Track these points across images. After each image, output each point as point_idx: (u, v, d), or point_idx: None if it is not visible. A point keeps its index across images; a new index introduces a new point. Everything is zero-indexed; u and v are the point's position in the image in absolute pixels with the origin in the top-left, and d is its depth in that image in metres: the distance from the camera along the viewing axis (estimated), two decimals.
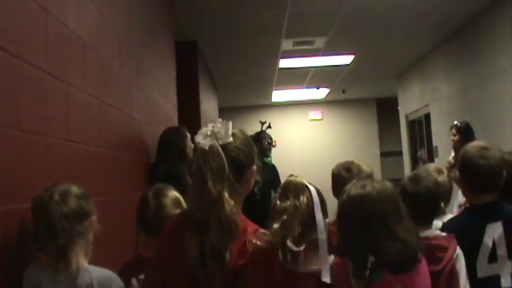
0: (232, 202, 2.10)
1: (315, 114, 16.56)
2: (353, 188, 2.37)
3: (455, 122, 7.11)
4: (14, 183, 2.19)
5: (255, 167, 2.32)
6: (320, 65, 10.86)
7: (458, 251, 2.62)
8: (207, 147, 2.13)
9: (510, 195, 2.96)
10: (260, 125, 9.12)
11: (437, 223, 2.93)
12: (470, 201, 2.95)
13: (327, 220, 2.44)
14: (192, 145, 4.72)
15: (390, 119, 14.70)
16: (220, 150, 2.12)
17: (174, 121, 5.92)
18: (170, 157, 4.56)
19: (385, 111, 15.74)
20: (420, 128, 11.59)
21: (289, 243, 2.21)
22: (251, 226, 2.20)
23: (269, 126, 9.03)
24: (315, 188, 2.43)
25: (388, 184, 2.38)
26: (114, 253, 2.52)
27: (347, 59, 10.62)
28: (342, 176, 3.26)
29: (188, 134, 4.74)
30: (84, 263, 2.25)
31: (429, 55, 10.37)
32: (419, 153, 11.43)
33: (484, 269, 2.69)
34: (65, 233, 2.17)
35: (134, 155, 4.21)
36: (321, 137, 16.22)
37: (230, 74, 11.58)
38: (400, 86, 12.72)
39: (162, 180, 3.79)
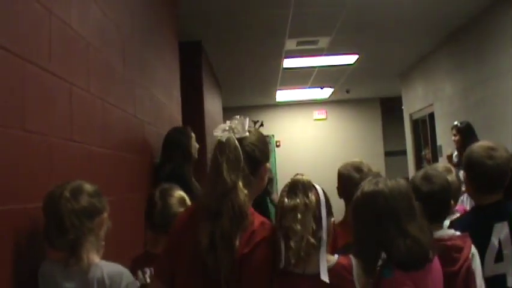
0: (246, 192, 2.20)
1: (319, 114, 16.56)
2: (367, 185, 2.38)
3: (456, 123, 7.12)
4: (17, 183, 2.19)
5: (268, 165, 2.42)
6: (324, 64, 10.86)
7: (473, 250, 2.62)
8: (224, 139, 2.23)
9: None
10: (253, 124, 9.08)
11: (446, 222, 2.92)
12: (477, 202, 2.94)
13: (332, 219, 2.44)
14: (197, 145, 4.73)
15: (394, 119, 14.70)
16: (237, 142, 2.23)
17: (178, 121, 5.92)
18: (175, 157, 4.56)
19: (389, 110, 15.74)
20: (425, 127, 11.57)
21: (311, 239, 2.24)
22: (258, 218, 2.29)
23: (261, 125, 9.01)
24: (320, 187, 2.45)
25: (402, 182, 2.37)
26: (115, 253, 2.52)
27: (350, 59, 10.62)
28: (352, 177, 3.20)
29: (193, 135, 4.75)
30: (95, 258, 2.30)
31: (432, 55, 10.36)
32: (423, 153, 11.43)
33: (490, 268, 2.69)
34: (75, 229, 2.22)
35: (138, 155, 4.21)
36: (325, 136, 16.22)
37: (234, 74, 11.58)
38: (404, 86, 12.70)
39: (166, 180, 3.80)
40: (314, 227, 2.29)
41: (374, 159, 15.04)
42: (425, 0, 7.38)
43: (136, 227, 3.49)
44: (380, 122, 16.43)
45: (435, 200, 2.65)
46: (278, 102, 15.65)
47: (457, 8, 7.78)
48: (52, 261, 2.26)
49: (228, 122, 2.30)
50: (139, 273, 2.90)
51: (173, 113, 5.72)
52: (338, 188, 3.38)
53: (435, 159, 10.35)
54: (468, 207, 4.18)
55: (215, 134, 2.27)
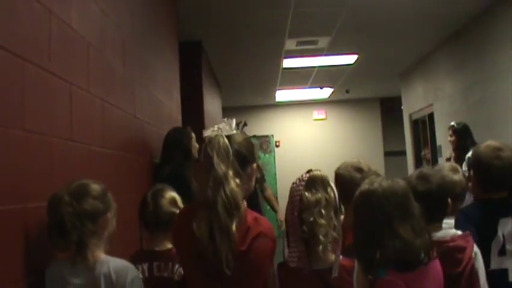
0: (237, 180, 2.26)
1: (318, 114, 16.56)
2: (364, 184, 2.39)
3: (452, 123, 7.12)
4: (17, 183, 2.19)
5: (255, 165, 2.47)
6: (324, 64, 10.86)
7: (475, 249, 2.63)
8: (213, 135, 2.31)
9: None
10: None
11: (451, 222, 2.93)
12: (483, 196, 2.95)
13: (342, 217, 2.47)
14: (197, 145, 4.73)
15: (393, 119, 14.69)
16: (225, 138, 2.30)
17: (178, 121, 5.92)
18: (175, 157, 4.56)
19: (389, 110, 15.74)
20: (424, 127, 11.57)
21: (334, 234, 2.33)
22: (250, 214, 2.33)
23: (245, 124, 9.00)
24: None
25: (400, 182, 2.37)
26: (116, 252, 2.53)
27: (350, 59, 10.62)
28: (354, 177, 3.07)
29: (193, 135, 4.75)
30: (101, 255, 2.38)
31: (432, 55, 10.36)
32: (422, 153, 11.43)
33: (496, 261, 2.71)
34: (76, 231, 2.29)
35: (138, 154, 4.21)
36: (325, 136, 16.22)
37: (234, 74, 11.58)
38: (404, 86, 12.71)
39: (167, 180, 3.82)
40: (335, 223, 2.33)
41: (373, 160, 15.04)
42: (425, 1, 7.38)
43: (136, 226, 3.50)
44: (379, 122, 16.43)
45: (433, 200, 2.65)
46: (278, 102, 15.65)
47: (456, 8, 7.78)
48: (59, 261, 2.36)
49: (215, 125, 2.38)
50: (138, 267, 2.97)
51: (173, 113, 5.72)
52: (340, 192, 3.30)
53: (434, 159, 10.36)
54: None
55: (205, 135, 2.35)
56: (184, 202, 3.19)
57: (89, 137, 3.06)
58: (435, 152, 10.42)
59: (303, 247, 2.39)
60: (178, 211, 2.94)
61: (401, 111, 13.10)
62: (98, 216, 2.41)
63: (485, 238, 2.73)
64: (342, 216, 2.53)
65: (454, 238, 2.65)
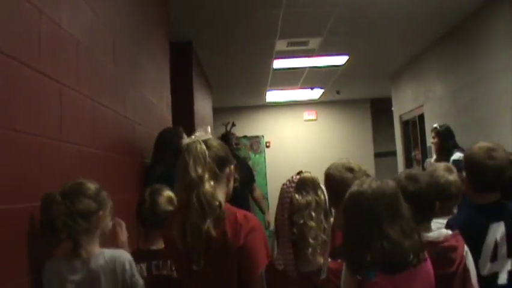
0: (212, 183, 2.46)
1: (309, 114, 16.56)
2: (353, 185, 2.39)
3: (435, 125, 7.15)
4: (6, 183, 2.18)
5: (232, 167, 2.70)
6: (314, 65, 10.86)
7: (466, 247, 2.63)
8: (189, 141, 2.54)
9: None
10: (224, 128, 9.06)
11: (444, 222, 2.93)
12: (475, 201, 2.96)
13: (331, 219, 2.47)
14: (185, 141, 4.71)
15: (384, 120, 14.71)
16: (202, 144, 2.51)
17: (168, 121, 5.92)
18: (166, 158, 4.54)
19: (379, 111, 15.75)
20: (414, 128, 11.60)
21: (323, 236, 2.35)
22: (239, 212, 2.56)
23: (233, 125, 8.99)
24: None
25: (389, 183, 2.37)
26: None
27: (341, 60, 10.62)
28: (345, 178, 3.00)
29: (185, 136, 4.72)
30: (96, 249, 2.52)
31: (423, 56, 10.39)
32: (413, 154, 11.46)
33: (486, 267, 2.72)
34: (67, 229, 2.42)
35: (128, 155, 4.20)
36: (315, 137, 16.22)
37: (224, 75, 11.56)
38: (394, 87, 12.74)
39: (158, 180, 3.82)
40: (325, 226, 2.34)
41: (364, 160, 15.06)
42: (415, 2, 7.40)
43: (127, 226, 3.49)
44: (370, 123, 16.45)
45: (422, 200, 2.65)
46: (268, 102, 15.64)
47: (448, 9, 7.81)
48: (56, 258, 2.48)
49: (193, 136, 2.59)
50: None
51: (163, 113, 5.71)
52: (330, 194, 3.26)
53: (424, 160, 10.38)
54: None
55: (183, 143, 2.57)
56: None
57: (79, 137, 3.06)
58: (425, 153, 10.44)
59: (291, 249, 2.40)
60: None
61: (391, 112, 13.13)
62: (91, 215, 2.50)
63: (474, 245, 2.72)
64: (332, 219, 2.52)
65: (446, 238, 2.65)
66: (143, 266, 3.01)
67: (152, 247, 3.13)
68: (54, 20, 2.76)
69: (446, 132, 6.95)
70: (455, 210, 3.30)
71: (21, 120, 2.34)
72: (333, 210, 2.79)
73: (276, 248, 2.53)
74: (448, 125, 7.17)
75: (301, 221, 2.36)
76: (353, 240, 2.29)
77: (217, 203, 2.45)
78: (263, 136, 16.32)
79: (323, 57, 10.26)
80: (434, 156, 7.06)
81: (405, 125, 12.35)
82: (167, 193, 3.29)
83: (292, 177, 2.54)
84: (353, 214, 2.33)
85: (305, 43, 9.23)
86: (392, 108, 13.03)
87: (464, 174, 3.10)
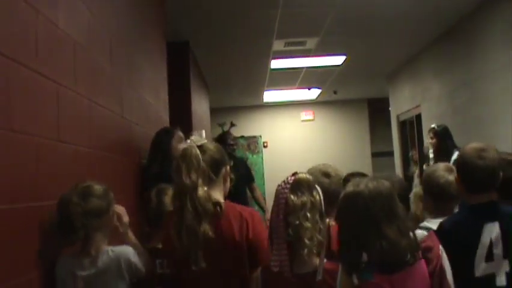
0: (205, 188, 2.60)
1: (306, 114, 16.58)
2: (349, 186, 2.40)
3: (433, 125, 7.16)
4: (4, 183, 2.18)
5: (228, 167, 2.84)
6: (312, 65, 10.88)
7: (441, 247, 2.63)
8: (185, 146, 2.67)
9: (511, 196, 3.01)
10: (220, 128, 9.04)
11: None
12: (468, 201, 2.96)
13: (327, 221, 2.48)
14: (181, 147, 4.69)
15: (381, 120, 14.74)
16: (196, 149, 2.64)
17: (165, 122, 5.91)
18: (157, 158, 4.55)
19: (376, 111, 15.78)
20: (412, 128, 11.61)
21: (319, 237, 2.36)
22: (243, 209, 2.74)
23: (233, 125, 8.98)
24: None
25: (385, 183, 2.38)
26: None
27: (338, 60, 10.64)
28: (321, 182, 2.94)
29: (180, 135, 4.71)
30: (104, 246, 2.70)
31: (420, 56, 10.41)
32: (410, 154, 11.46)
33: (481, 268, 2.71)
34: (84, 228, 2.59)
35: (125, 155, 4.20)
36: (313, 137, 16.24)
37: (222, 74, 11.57)
38: (391, 87, 12.75)
39: (154, 180, 3.83)
40: (321, 226, 2.35)
41: (361, 160, 15.12)
42: (412, 2, 7.41)
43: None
44: (367, 123, 16.47)
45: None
46: (266, 102, 15.66)
47: (444, 9, 7.82)
48: (66, 256, 2.65)
49: (189, 140, 2.74)
50: None
51: (160, 113, 5.71)
52: None
53: (422, 160, 10.39)
54: None
55: (179, 147, 2.77)
56: None
57: (76, 137, 3.06)
58: (422, 152, 10.44)
59: (286, 250, 2.40)
60: None
61: (388, 112, 13.14)
62: (103, 214, 2.69)
63: (468, 246, 2.73)
64: (327, 220, 2.53)
65: (423, 239, 2.68)
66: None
67: (157, 245, 3.17)
68: (51, 20, 2.76)
69: (443, 132, 6.97)
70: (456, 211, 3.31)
71: (19, 120, 2.34)
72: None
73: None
74: (446, 125, 7.18)
75: (297, 222, 2.36)
76: (349, 241, 2.30)
77: (212, 205, 2.59)
78: (261, 136, 16.33)
79: (320, 57, 10.27)
80: (431, 156, 7.06)
81: (403, 125, 12.36)
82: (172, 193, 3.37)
83: (287, 178, 2.55)
84: (348, 214, 2.33)
85: (302, 43, 9.24)
86: (389, 108, 13.05)
87: None
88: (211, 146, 2.77)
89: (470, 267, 2.69)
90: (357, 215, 2.29)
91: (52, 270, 2.62)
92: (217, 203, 2.64)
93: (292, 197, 2.42)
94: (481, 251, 2.72)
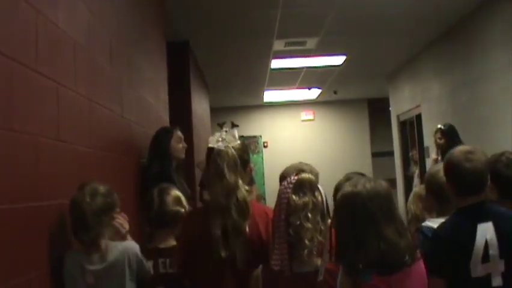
0: (246, 187, 2.75)
1: (306, 114, 16.59)
2: (346, 186, 2.40)
3: (439, 126, 7.16)
4: (4, 183, 2.19)
5: (252, 164, 3.02)
6: (312, 65, 10.89)
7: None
8: (223, 148, 2.75)
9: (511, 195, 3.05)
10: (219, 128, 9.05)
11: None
12: (458, 204, 2.96)
13: (329, 221, 2.48)
14: (181, 146, 4.69)
15: (381, 120, 14.73)
16: (232, 150, 2.76)
17: (165, 121, 5.91)
18: (160, 157, 4.54)
19: (376, 111, 15.79)
20: (412, 128, 11.61)
21: (319, 238, 2.38)
22: (266, 207, 2.91)
23: (234, 125, 8.98)
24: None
25: (382, 184, 2.38)
26: None
27: (338, 60, 10.64)
28: None
29: (179, 135, 4.71)
30: (112, 243, 2.79)
31: (420, 55, 10.41)
32: (410, 154, 11.46)
33: (478, 269, 2.71)
34: (95, 226, 2.69)
35: (125, 155, 4.20)
36: (313, 137, 16.24)
37: (222, 74, 11.58)
38: (391, 87, 12.75)
39: (154, 180, 3.84)
40: (322, 227, 2.35)
41: (361, 160, 15.11)
42: (412, 2, 7.41)
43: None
44: (367, 123, 16.49)
45: None
46: (266, 102, 15.67)
47: (444, 9, 7.82)
48: (76, 252, 2.74)
49: (217, 134, 2.84)
50: None
51: (160, 113, 5.71)
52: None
53: (422, 160, 10.40)
54: None
55: (211, 145, 2.79)
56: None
57: (76, 137, 3.06)
58: (422, 152, 10.46)
59: (287, 250, 2.40)
60: (182, 209, 3.32)
61: (389, 112, 13.14)
62: (110, 211, 2.80)
63: (464, 248, 2.73)
64: (329, 220, 2.53)
65: None
66: (150, 263, 3.08)
67: (159, 245, 3.22)
68: (52, 20, 2.76)
69: (450, 130, 6.98)
70: None
71: (19, 120, 2.34)
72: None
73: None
74: (450, 123, 7.18)
75: (298, 222, 2.37)
76: (348, 242, 2.30)
77: (249, 206, 2.72)
78: (261, 136, 16.35)
79: (320, 57, 10.28)
80: (433, 156, 7.05)
81: (403, 125, 12.36)
82: (175, 193, 3.43)
83: (290, 178, 2.55)
84: (346, 215, 2.34)
85: (303, 43, 9.25)
86: (390, 108, 13.06)
87: None
88: (238, 145, 2.85)
89: (466, 268, 2.69)
90: (355, 215, 2.29)
91: (57, 269, 2.67)
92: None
93: (294, 197, 2.43)
94: (477, 252, 2.72)
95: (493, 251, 2.72)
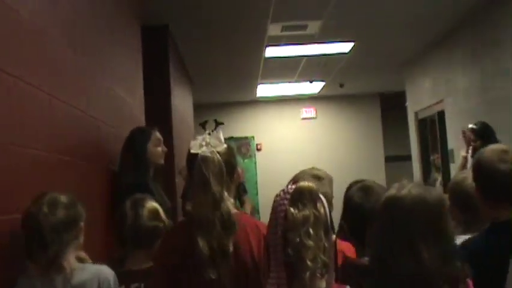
0: (232, 200, 2.81)
1: (307, 112, 16.64)
2: (391, 188, 2.40)
3: (470, 126, 7.04)
4: None
5: (239, 169, 3.06)
6: (314, 53, 10.91)
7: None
8: (209, 154, 2.77)
9: None
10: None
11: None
12: (491, 217, 2.92)
13: (333, 236, 2.46)
14: (159, 150, 4.67)
15: (396, 118, 14.79)
16: (218, 156, 2.78)
17: (141, 120, 5.90)
18: (132, 163, 4.51)
19: (390, 108, 15.85)
20: (433, 127, 11.62)
21: (323, 257, 2.33)
22: (257, 222, 2.93)
23: (219, 123, 9.00)
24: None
25: (433, 192, 2.35)
26: None
27: (345, 47, 10.65)
28: None
29: (158, 137, 4.69)
30: (76, 263, 2.77)
31: (443, 41, 10.37)
32: (431, 158, 11.46)
33: None
34: (54, 244, 2.63)
35: (92, 160, 4.18)
36: (314, 138, 16.28)
37: (207, 65, 11.58)
38: (408, 79, 12.77)
39: (128, 191, 3.80)
40: (326, 244, 2.32)
41: (373, 166, 15.15)
42: None
43: (91, 244, 3.47)
44: (379, 121, 16.55)
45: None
46: (259, 98, 15.75)
47: None
48: (31, 275, 2.68)
49: (200, 137, 2.86)
50: None
51: (134, 110, 5.69)
52: None
53: (445, 166, 10.38)
54: None
55: (193, 151, 2.81)
56: None
57: (33, 139, 3.03)
58: (446, 156, 10.43)
59: (285, 272, 2.37)
60: (160, 224, 3.33)
61: (405, 108, 13.16)
62: (73, 226, 2.76)
63: (496, 270, 2.69)
64: (333, 236, 2.50)
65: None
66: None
67: (133, 267, 3.23)
68: None
69: (484, 129, 6.85)
70: None
71: None
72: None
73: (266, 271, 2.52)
74: (482, 121, 7.10)
75: (298, 240, 2.33)
76: (379, 253, 2.27)
77: (235, 220, 2.74)
78: (253, 137, 16.39)
79: (323, 44, 10.29)
80: (463, 154, 6.97)
81: (422, 123, 12.38)
82: (152, 205, 3.44)
83: (286, 187, 2.51)
84: (381, 220, 2.31)
85: (303, 27, 9.24)
86: (406, 104, 13.07)
87: None
88: (224, 149, 2.87)
89: None
90: (389, 221, 2.25)
91: None
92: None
93: (292, 210, 2.39)
94: (510, 280, 2.68)
95: None
